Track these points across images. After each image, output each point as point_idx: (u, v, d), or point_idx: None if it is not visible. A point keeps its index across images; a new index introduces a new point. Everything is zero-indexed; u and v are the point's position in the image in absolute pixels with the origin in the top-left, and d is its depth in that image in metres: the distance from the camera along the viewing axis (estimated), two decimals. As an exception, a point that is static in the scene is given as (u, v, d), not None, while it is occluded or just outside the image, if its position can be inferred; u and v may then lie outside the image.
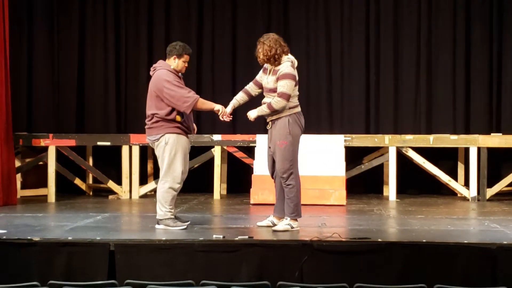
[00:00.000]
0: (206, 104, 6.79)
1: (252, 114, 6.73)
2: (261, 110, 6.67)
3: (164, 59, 6.83)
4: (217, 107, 6.79)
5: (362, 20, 10.23)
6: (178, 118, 6.67)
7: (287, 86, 6.54)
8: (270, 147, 6.76)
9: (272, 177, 6.84)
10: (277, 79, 6.57)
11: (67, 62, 10.32)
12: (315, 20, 10.30)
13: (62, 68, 10.33)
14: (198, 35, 10.35)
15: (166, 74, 6.68)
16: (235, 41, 10.38)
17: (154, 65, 6.85)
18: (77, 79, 10.31)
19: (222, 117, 6.81)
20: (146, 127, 6.79)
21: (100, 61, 10.38)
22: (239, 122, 10.25)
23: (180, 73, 6.80)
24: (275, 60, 6.61)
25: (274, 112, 6.59)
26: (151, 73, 6.83)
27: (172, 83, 6.63)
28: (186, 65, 6.83)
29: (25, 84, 10.21)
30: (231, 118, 6.93)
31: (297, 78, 6.66)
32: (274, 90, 6.60)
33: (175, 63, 6.75)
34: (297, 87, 6.66)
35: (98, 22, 10.37)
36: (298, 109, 6.69)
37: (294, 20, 10.30)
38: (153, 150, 6.98)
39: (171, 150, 6.65)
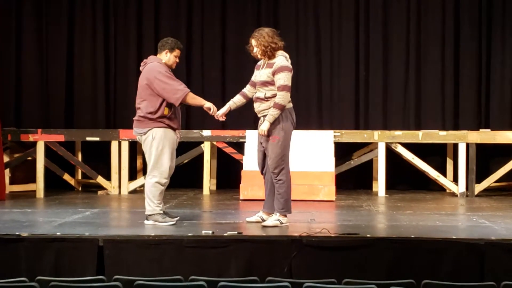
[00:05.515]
0: (196, 100, 6.76)
1: (264, 127, 6.54)
2: (270, 116, 6.51)
3: (154, 55, 6.83)
4: (207, 104, 6.77)
5: (351, 16, 10.23)
6: (166, 110, 6.65)
7: (286, 78, 6.51)
8: (261, 143, 6.72)
9: (262, 173, 6.83)
10: (273, 73, 6.53)
11: (56, 56, 10.29)
12: (305, 16, 10.30)
13: (51, 63, 10.30)
14: (187, 30, 10.33)
15: (158, 66, 6.70)
16: (225, 37, 10.36)
17: (144, 60, 6.85)
18: (66, 74, 10.29)
19: (215, 116, 6.79)
20: (134, 118, 6.78)
21: (89, 56, 10.36)
22: (228, 118, 10.24)
23: (170, 69, 6.79)
24: (271, 54, 6.60)
25: (283, 108, 6.50)
26: (141, 68, 6.82)
27: (164, 74, 6.63)
28: (177, 60, 6.84)
29: (13, 78, 10.17)
30: (224, 119, 6.90)
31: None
32: (266, 83, 6.57)
33: (167, 57, 6.76)
34: None
35: (87, 16, 10.35)
36: (290, 105, 6.65)
37: (283, 16, 10.29)
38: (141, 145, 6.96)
39: (159, 145, 6.64)
